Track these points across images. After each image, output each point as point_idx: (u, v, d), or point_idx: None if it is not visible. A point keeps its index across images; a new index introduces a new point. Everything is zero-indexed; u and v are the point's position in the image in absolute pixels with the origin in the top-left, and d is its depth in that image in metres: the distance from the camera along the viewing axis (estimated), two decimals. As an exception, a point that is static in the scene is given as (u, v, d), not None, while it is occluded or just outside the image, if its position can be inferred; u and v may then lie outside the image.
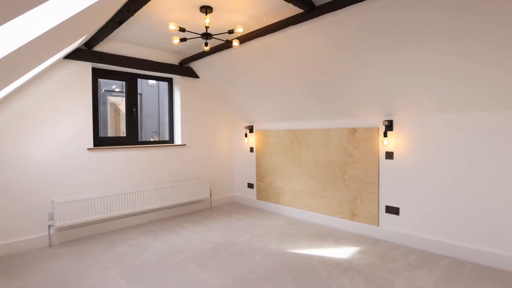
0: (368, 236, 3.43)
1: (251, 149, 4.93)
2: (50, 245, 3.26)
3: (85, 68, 3.51)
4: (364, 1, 2.39)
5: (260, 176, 4.77)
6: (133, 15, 2.61)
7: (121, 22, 2.75)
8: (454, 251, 2.85)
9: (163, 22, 3.05)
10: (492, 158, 2.64)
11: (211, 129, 4.94)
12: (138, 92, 7.88)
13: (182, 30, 2.63)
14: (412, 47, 2.52)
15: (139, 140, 4.28)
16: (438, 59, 2.49)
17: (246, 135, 4.95)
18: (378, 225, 3.39)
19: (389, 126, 3.23)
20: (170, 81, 4.64)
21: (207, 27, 2.65)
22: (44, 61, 2.47)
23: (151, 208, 4.01)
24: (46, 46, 1.95)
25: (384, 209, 3.34)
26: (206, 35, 2.78)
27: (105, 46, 3.63)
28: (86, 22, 2.09)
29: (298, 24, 2.90)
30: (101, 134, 6.80)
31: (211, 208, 4.81)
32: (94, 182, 3.60)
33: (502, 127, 2.58)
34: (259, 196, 4.80)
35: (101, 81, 7.05)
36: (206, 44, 2.92)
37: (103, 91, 7.38)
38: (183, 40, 2.87)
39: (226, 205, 5.00)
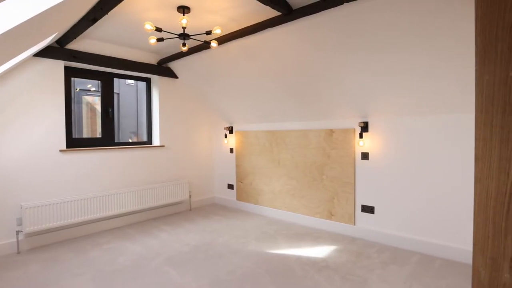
0: (345, 235, 3.51)
1: (231, 150, 4.93)
2: (19, 252, 3.11)
3: (57, 67, 3.38)
4: (339, 6, 2.44)
5: (240, 177, 4.77)
6: (107, 14, 2.54)
7: (94, 20, 2.67)
8: (425, 248, 2.97)
9: (139, 21, 2.99)
10: (461, 159, 2.77)
11: (191, 130, 4.89)
12: (116, 91, 7.68)
13: (158, 30, 2.59)
14: (385, 50, 2.61)
15: (116, 141, 4.17)
16: (410, 62, 2.59)
17: (226, 136, 4.94)
18: (354, 224, 3.47)
19: (364, 127, 3.32)
20: (148, 81, 4.55)
21: (184, 28, 2.62)
22: (11, 58, 2.36)
23: (128, 210, 3.92)
24: (12, 43, 1.87)
25: (360, 208, 3.43)
26: (184, 36, 2.75)
27: (79, 44, 3.52)
28: (56, 19, 2.01)
29: (276, 27, 2.93)
30: (76, 135, 6.56)
31: (190, 210, 4.76)
32: (66, 185, 3.47)
33: (471, 129, 2.72)
34: (239, 197, 4.79)
35: (76, 80, 6.81)
36: (184, 45, 2.89)
37: (77, 90, 7.13)
38: (160, 40, 2.82)
39: (206, 207, 4.96)
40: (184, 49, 2.92)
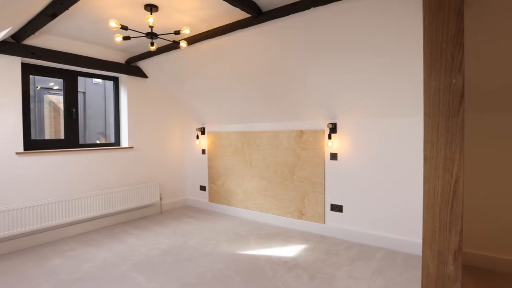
0: (315, 234, 3.59)
1: (203, 151, 4.88)
2: (-30, 262, 2.89)
3: (12, 63, 3.17)
4: (307, 10, 2.50)
5: (212, 178, 4.73)
6: (68, 9, 2.43)
7: (54, 15, 2.53)
8: (389, 243, 3.11)
9: (104, 17, 2.89)
10: (420, 159, 2.93)
11: (161, 131, 4.78)
12: (81, 90, 7.33)
13: (124, 28, 2.51)
14: (349, 54, 2.70)
15: (81, 142, 3.98)
16: (373, 66, 2.70)
17: (197, 137, 4.88)
18: (324, 223, 3.57)
19: (333, 128, 3.42)
20: (116, 80, 4.39)
21: (151, 27, 2.56)
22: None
23: (94, 215, 3.76)
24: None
25: (329, 207, 3.53)
26: (151, 35, 2.69)
27: (38, 40, 3.32)
28: (7, 12, 1.89)
29: (247, 28, 2.94)
30: (36, 136, 6.19)
31: (161, 213, 4.66)
32: (25, 190, 3.26)
33: (427, 130, 2.88)
34: (212, 199, 4.76)
35: (37, 78, 6.42)
36: (152, 44, 2.83)
37: (39, 88, 6.73)
38: (126, 38, 2.74)
39: (177, 209, 4.87)
40: (153, 48, 2.86)
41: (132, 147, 4.33)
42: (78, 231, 3.70)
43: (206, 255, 3.00)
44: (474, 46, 2.29)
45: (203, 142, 4.86)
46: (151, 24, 2.45)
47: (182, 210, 4.78)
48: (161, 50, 3.64)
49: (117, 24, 2.40)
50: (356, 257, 2.92)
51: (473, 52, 2.31)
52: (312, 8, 2.45)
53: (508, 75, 2.33)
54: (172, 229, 3.84)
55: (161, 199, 4.67)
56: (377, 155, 3.17)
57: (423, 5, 1.08)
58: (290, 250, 3.09)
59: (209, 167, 4.75)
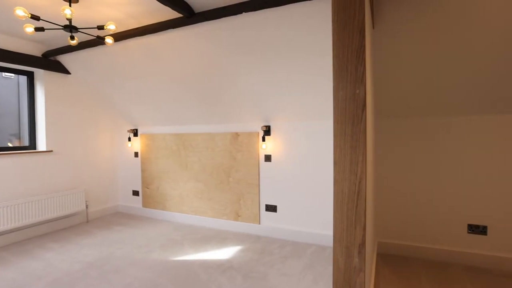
0: (251, 234, 3.66)
1: (136, 154, 4.61)
2: None
3: None
4: (238, 15, 2.54)
5: (146, 182, 4.50)
6: (-39, -9, 2.07)
7: None
8: (319, 239, 3.32)
9: (14, 3, 2.53)
10: (343, 158, 3.19)
11: (88, 133, 4.38)
12: (-12, 85, 6.32)
13: (35, 18, 2.23)
14: (278, 60, 2.82)
15: (-16, 146, 3.43)
16: (299, 72, 2.86)
17: (129, 139, 4.59)
18: (259, 223, 3.65)
19: (267, 131, 3.53)
20: (30, 76, 3.89)
21: (69, 19, 2.33)
22: None
23: (2, 229, 3.26)
24: None
25: (264, 207, 3.63)
26: (70, 28, 2.44)
27: None
28: None
29: (179, 28, 2.86)
30: None
31: (87, 222, 4.26)
32: None
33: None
34: (145, 204, 4.52)
35: None
36: (72, 38, 2.57)
37: None
38: (39, 29, 2.44)
39: (107, 216, 4.51)
40: (73, 42, 2.60)
41: (51, 151, 3.88)
42: (-21, 249, 3.18)
43: (136, 264, 2.83)
44: (383, 61, 2.58)
45: (136, 144, 4.59)
46: (68, 16, 2.22)
47: (113, 218, 4.44)
48: (85, 45, 3.34)
49: (25, 12, 2.12)
50: (289, 255, 3.05)
51: (382, 66, 2.61)
52: (244, 13, 2.50)
53: (407, 88, 2.68)
54: (98, 239, 3.53)
55: (87, 207, 4.27)
56: (307, 157, 3.37)
57: (332, 21, 1.18)
58: (226, 252, 3.10)
59: (143, 171, 4.51)
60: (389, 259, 2.92)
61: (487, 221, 2.71)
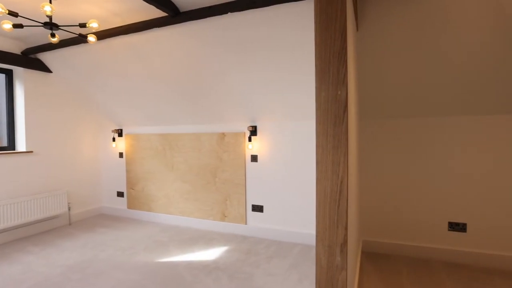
0: (237, 235, 3.65)
1: (121, 155, 4.53)
2: None
3: None
4: (224, 15, 2.53)
5: (131, 183, 4.42)
6: None
7: None
8: (305, 239, 3.35)
9: (-12, 0, 2.45)
10: (329, 158, 3.23)
11: (70, 133, 4.27)
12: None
13: (13, 14, 2.16)
14: (263, 61, 2.82)
15: (-41, 146, 3.30)
16: (285, 73, 2.88)
17: (114, 140, 4.50)
18: (246, 223, 3.65)
19: (253, 131, 3.53)
20: (9, 74, 3.76)
21: (49, 16, 2.26)
22: None
23: (-22, 233, 3.15)
24: None
25: (251, 208, 3.63)
26: (51, 25, 2.37)
27: None
28: None
29: (165, 27, 2.83)
30: None
31: (70, 224, 4.16)
32: None
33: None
34: (130, 205, 4.44)
35: None
36: (53, 35, 2.50)
37: None
38: (18, 26, 2.36)
39: (90, 219, 4.41)
40: (54, 40, 2.53)
41: (32, 152, 3.77)
42: (-46, 254, 3.05)
43: (120, 267, 2.78)
44: (367, 63, 2.63)
45: (121, 144, 4.51)
46: (48, 13, 2.16)
47: (96, 220, 4.35)
48: (67, 43, 3.26)
49: (2, 8, 2.05)
50: (275, 255, 3.06)
51: (366, 67, 2.66)
52: (229, 13, 2.50)
53: (390, 89, 2.74)
54: (81, 241, 3.45)
55: (69, 209, 4.16)
56: (293, 157, 3.39)
57: (314, 22, 1.19)
58: (212, 253, 3.08)
59: (128, 171, 4.43)
60: (373, 257, 2.97)
61: (467, 219, 2.80)
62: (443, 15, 2.20)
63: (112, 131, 4.49)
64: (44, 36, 3.31)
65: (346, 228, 1.18)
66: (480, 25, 2.19)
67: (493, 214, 2.71)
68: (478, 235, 2.76)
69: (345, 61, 1.16)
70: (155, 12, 2.68)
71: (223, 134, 3.70)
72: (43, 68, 3.86)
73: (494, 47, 2.28)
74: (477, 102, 2.64)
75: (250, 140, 3.53)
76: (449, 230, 2.86)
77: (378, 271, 2.66)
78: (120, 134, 4.49)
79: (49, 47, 3.46)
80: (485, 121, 2.70)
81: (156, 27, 2.80)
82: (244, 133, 3.60)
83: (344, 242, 1.18)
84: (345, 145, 1.16)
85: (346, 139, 1.16)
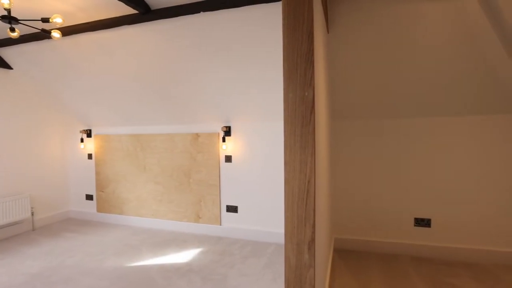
0: (212, 236, 3.62)
1: (90, 156, 4.35)
2: None
3: None
4: (196, 14, 2.50)
5: (100, 185, 4.26)
6: None
7: None
8: (279, 238, 3.38)
9: None
10: (302, 158, 3.29)
11: (33, 133, 4.04)
12: None
13: (-34, 6, 2.01)
14: (236, 59, 2.82)
15: None
16: (258, 73, 2.89)
17: (82, 140, 4.32)
18: (220, 224, 3.63)
19: (227, 131, 3.52)
20: (-37, 70, 3.50)
21: (7, 9, 2.13)
22: None
23: None
24: None
25: (225, 208, 3.61)
26: (9, 19, 2.24)
27: None
28: None
29: (135, 25, 2.75)
30: None
31: (33, 230, 3.93)
32: None
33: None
34: (100, 208, 4.28)
35: None
36: (13, 30, 2.36)
37: None
38: (-28, 19, 2.20)
39: (56, 224, 4.20)
40: (14, 35, 2.39)
41: (-10, 153, 3.53)
42: None
43: (89, 273, 2.67)
44: (337, 64, 2.70)
45: (89, 145, 4.33)
46: (6, 6, 2.03)
47: (63, 225, 4.15)
48: (29, 38, 3.09)
49: (-46, 0, 1.91)
50: (249, 255, 3.07)
51: (337, 69, 2.73)
52: (201, 12, 2.47)
53: (361, 90, 2.84)
54: (46, 248, 3.28)
55: (32, 214, 3.94)
56: (267, 157, 3.41)
57: (282, 25, 1.21)
58: (185, 255, 3.04)
59: (97, 173, 4.27)
60: (345, 254, 3.06)
61: (431, 215, 2.95)
62: (411, 19, 2.31)
63: (81, 131, 4.30)
64: (3, 30, 3.11)
65: (313, 226, 1.21)
66: (445, 27, 2.31)
67: (455, 210, 2.88)
68: (441, 230, 2.92)
69: (312, 62, 1.18)
70: (125, 9, 2.60)
71: (197, 135, 3.66)
72: (3, 64, 3.63)
73: (460, 49, 2.42)
74: (441, 104, 2.79)
75: (224, 140, 3.52)
76: (415, 225, 3.00)
77: (349, 268, 2.74)
78: (89, 135, 4.31)
79: (9, 41, 3.26)
80: (447, 122, 2.86)
81: (126, 24, 2.72)
82: (218, 133, 3.58)
83: (312, 240, 1.21)
84: (312, 145, 1.18)
85: (313, 139, 1.18)
